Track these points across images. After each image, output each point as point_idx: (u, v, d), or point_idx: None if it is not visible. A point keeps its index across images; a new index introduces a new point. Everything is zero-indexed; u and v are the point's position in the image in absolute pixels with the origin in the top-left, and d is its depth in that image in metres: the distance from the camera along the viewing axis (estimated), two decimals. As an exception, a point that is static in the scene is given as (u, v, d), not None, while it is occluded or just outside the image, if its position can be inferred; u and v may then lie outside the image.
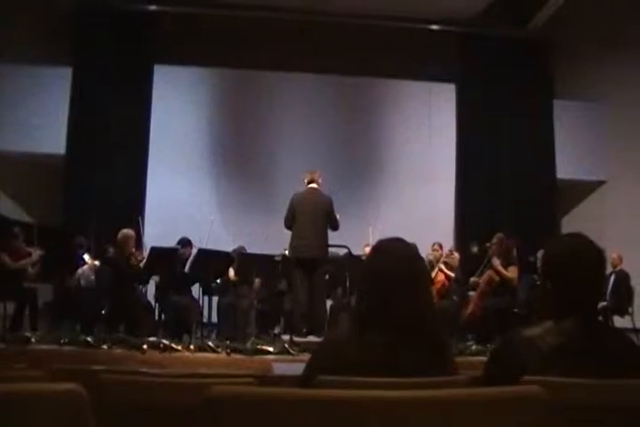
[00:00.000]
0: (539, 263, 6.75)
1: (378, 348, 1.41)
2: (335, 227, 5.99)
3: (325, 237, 5.97)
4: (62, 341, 4.93)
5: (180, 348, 4.95)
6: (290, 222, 5.96)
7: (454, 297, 6.90)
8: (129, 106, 8.91)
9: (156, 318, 6.05)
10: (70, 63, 8.90)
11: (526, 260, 6.75)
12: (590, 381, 1.35)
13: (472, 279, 6.41)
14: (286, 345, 5.09)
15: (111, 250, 6.11)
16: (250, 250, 6.90)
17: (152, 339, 5.04)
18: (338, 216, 6.01)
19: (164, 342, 4.96)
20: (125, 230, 6.04)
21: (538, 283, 6.44)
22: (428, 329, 1.47)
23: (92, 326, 5.72)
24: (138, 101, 9.00)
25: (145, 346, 4.85)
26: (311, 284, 5.89)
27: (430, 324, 1.48)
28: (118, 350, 4.84)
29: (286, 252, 6.45)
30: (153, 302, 6.16)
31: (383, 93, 9.80)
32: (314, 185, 6.10)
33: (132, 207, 8.52)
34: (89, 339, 4.92)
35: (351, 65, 9.32)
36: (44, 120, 8.53)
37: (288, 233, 6.18)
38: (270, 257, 6.57)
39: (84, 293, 6.18)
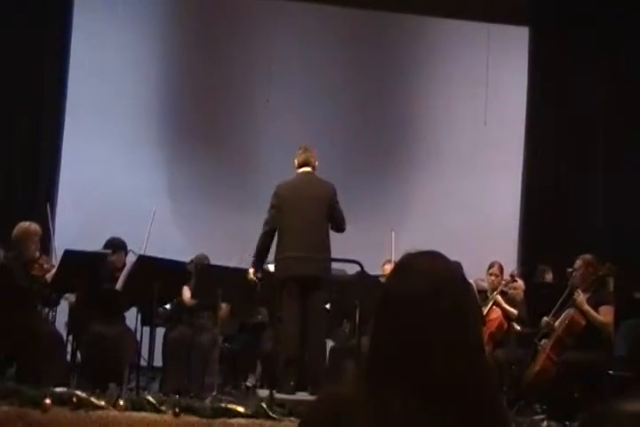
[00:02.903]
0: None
1: (397, 413, 1.41)
2: (340, 227, 6.15)
3: (326, 245, 6.11)
4: None
5: (102, 404, 4.91)
6: (271, 225, 6.15)
7: (516, 346, 6.87)
8: (36, 39, 8.84)
9: (69, 357, 6.06)
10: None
11: (628, 297, 6.72)
12: None
13: (545, 320, 6.40)
14: (264, 404, 5.10)
15: (2, 253, 6.10)
16: (215, 261, 6.93)
17: (60, 389, 5.01)
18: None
19: (79, 394, 4.93)
20: (25, 224, 6.03)
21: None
22: (474, 391, 1.45)
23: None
24: (50, 33, 8.96)
25: (48, 401, 4.79)
26: (305, 315, 6.00)
27: (477, 384, 1.47)
28: (5, 408, 4.78)
29: (270, 267, 6.47)
30: (64, 334, 6.16)
31: (418, 38, 9.82)
32: (307, 169, 6.16)
33: (39, 191, 8.61)
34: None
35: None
36: None
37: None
38: (246, 273, 6.55)
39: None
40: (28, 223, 6.06)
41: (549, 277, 7.75)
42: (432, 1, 9.50)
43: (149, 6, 9.43)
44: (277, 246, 6.16)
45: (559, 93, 9.63)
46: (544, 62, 9.71)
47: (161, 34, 9.43)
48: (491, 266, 7.17)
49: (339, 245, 6.29)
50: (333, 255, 6.23)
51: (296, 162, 6.31)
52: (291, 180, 6.31)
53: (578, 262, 6.37)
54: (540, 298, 6.79)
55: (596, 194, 9.50)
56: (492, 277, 7.12)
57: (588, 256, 6.40)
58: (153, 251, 6.40)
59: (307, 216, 6.08)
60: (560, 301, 6.36)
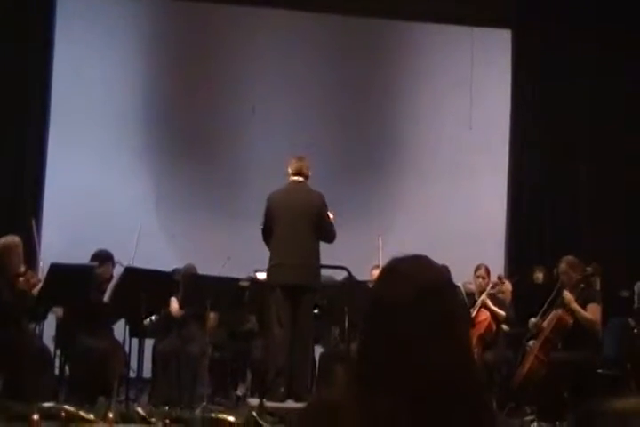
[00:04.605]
0: (637, 301, 6.74)
1: (386, 417, 1.41)
2: (329, 237, 6.11)
3: (316, 253, 6.17)
4: None
5: (91, 417, 4.95)
6: (267, 233, 6.22)
7: (505, 347, 6.90)
8: (19, 48, 8.81)
9: (57, 371, 6.02)
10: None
11: (616, 295, 6.72)
12: None
13: (532, 321, 6.40)
14: (254, 413, 5.12)
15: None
16: (202, 270, 6.91)
17: (48, 404, 5.04)
18: (331, 215, 6.20)
19: (67, 408, 4.93)
20: (10, 238, 6.01)
21: (635, 331, 6.44)
22: (462, 393, 1.45)
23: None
24: (33, 41, 8.91)
25: (36, 416, 4.74)
26: (293, 322, 5.99)
27: (466, 385, 1.46)
28: (-7, 424, 4.84)
29: (258, 275, 6.48)
30: (52, 348, 6.11)
31: (405, 43, 9.80)
32: (299, 178, 6.20)
33: (23, 203, 8.56)
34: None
35: (360, 0, 9.30)
36: None
37: (260, 247, 6.21)
38: (234, 281, 6.59)
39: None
40: (11, 237, 6.03)
41: (540, 276, 7.75)
42: (413, 6, 9.45)
43: (134, 18, 9.39)
44: (270, 255, 6.17)
45: (543, 96, 9.60)
46: (527, 65, 9.70)
47: (146, 46, 9.37)
48: (477, 268, 7.15)
49: (326, 251, 6.29)
50: (323, 262, 6.22)
51: (289, 170, 6.32)
52: (281, 188, 6.33)
53: (562, 264, 6.37)
54: (527, 299, 6.80)
55: (582, 195, 9.50)
56: (480, 280, 7.11)
57: (570, 257, 6.37)
58: (140, 263, 6.37)
59: (296, 225, 6.09)
60: (547, 302, 6.36)
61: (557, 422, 5.31)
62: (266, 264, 6.29)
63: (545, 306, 6.36)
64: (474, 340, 6.50)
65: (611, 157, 9.44)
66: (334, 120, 9.41)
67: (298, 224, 6.09)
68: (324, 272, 6.49)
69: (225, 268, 6.84)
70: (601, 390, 5.72)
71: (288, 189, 6.28)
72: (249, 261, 6.94)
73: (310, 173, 6.36)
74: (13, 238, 6.04)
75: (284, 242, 6.09)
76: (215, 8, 9.43)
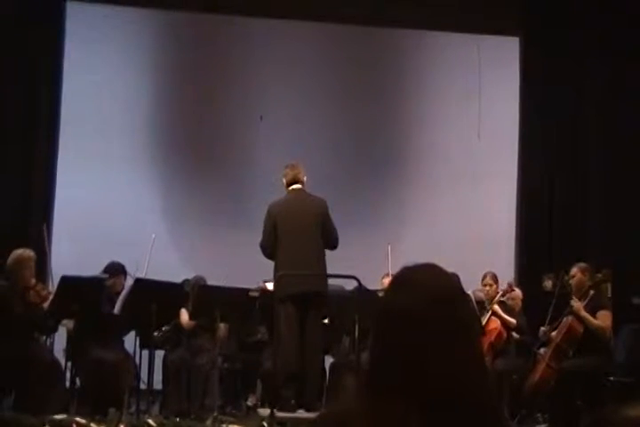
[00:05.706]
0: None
1: (398, 426, 1.40)
2: (332, 243, 6.10)
3: (323, 261, 6.11)
4: None
5: (103, 429, 4.93)
6: (269, 246, 6.15)
7: (516, 355, 6.88)
8: (28, 61, 8.85)
9: (67, 383, 6.02)
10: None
11: (627, 302, 6.71)
12: None
13: (542, 329, 6.39)
14: (265, 423, 5.16)
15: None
16: (212, 281, 6.92)
17: (60, 417, 5.04)
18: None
19: (79, 420, 4.94)
20: (21, 251, 6.01)
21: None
22: (474, 401, 1.44)
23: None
24: (43, 55, 8.96)
25: (48, 428, 4.81)
26: (303, 332, 5.97)
27: (477, 393, 1.46)
28: (4, 437, 4.84)
29: (267, 285, 6.49)
30: (63, 360, 6.12)
31: (412, 51, 9.76)
32: (297, 186, 6.18)
33: (34, 215, 8.52)
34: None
35: (366, 9, 9.30)
36: None
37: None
38: (243, 292, 6.59)
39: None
40: (21, 250, 6.03)
41: (549, 284, 7.74)
42: (419, 15, 9.41)
43: (141, 30, 9.44)
44: (275, 265, 6.15)
45: (551, 104, 9.53)
46: (536, 73, 9.62)
47: (153, 58, 9.38)
48: (483, 277, 7.18)
49: (335, 260, 6.27)
50: (330, 271, 6.23)
51: (285, 180, 6.32)
52: (282, 198, 6.32)
53: (573, 270, 6.37)
54: (538, 307, 6.79)
55: (592, 201, 9.45)
56: (487, 288, 7.12)
57: (582, 264, 6.38)
58: (149, 274, 6.39)
59: (301, 233, 6.09)
60: (551, 308, 6.36)
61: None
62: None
63: (550, 312, 6.37)
64: (485, 348, 6.49)
65: (621, 165, 9.41)
66: (341, 129, 9.39)
67: (304, 233, 6.09)
68: (333, 282, 6.50)
69: (234, 275, 6.84)
70: (613, 398, 5.70)
71: (289, 199, 6.28)
72: (257, 271, 6.94)
73: (305, 179, 6.35)
74: (27, 252, 6.04)
75: (290, 251, 6.08)
76: (222, 20, 9.44)
